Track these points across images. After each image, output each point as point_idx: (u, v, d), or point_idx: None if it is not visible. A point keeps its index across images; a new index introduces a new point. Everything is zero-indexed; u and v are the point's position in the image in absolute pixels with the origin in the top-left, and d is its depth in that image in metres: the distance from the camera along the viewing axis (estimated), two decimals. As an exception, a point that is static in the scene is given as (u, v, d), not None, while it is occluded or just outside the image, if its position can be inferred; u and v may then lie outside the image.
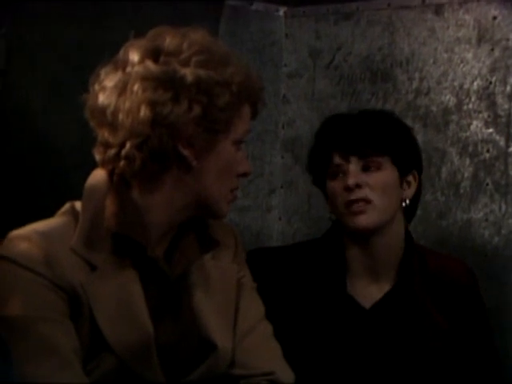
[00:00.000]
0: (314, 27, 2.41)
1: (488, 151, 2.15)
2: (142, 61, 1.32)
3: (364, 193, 1.70)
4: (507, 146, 2.13)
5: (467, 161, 2.18)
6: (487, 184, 2.15)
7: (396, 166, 1.74)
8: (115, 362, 1.29)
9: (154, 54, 1.32)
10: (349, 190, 1.70)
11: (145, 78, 1.30)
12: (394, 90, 2.27)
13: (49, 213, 1.39)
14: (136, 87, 1.29)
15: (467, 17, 2.18)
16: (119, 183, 1.35)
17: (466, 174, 2.18)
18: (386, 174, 1.73)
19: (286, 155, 2.45)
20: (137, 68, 1.31)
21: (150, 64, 1.31)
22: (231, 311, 1.45)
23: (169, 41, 1.33)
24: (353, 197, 1.70)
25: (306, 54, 2.42)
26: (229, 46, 2.27)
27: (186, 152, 1.33)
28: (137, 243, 1.32)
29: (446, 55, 2.20)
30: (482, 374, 1.78)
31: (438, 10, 2.21)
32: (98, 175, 1.37)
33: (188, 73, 1.30)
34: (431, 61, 2.22)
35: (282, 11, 2.45)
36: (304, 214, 2.42)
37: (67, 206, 1.38)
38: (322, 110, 2.38)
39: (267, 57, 2.43)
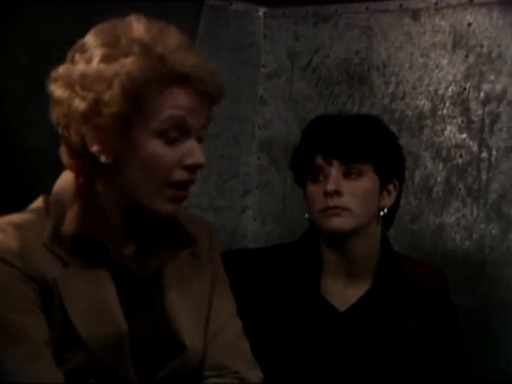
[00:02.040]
0: (293, 28, 2.42)
1: (461, 156, 2.17)
2: (66, 62, 1.34)
3: (342, 201, 1.69)
4: (480, 152, 2.14)
5: (440, 165, 2.19)
6: (459, 189, 2.17)
7: (378, 174, 1.74)
8: (87, 357, 1.29)
9: (72, 53, 1.33)
10: (327, 195, 1.70)
11: (55, 79, 1.32)
12: (370, 93, 2.29)
13: (20, 210, 1.38)
14: (51, 88, 1.33)
15: (443, 23, 2.19)
16: (84, 184, 1.36)
17: (438, 179, 2.20)
18: (367, 181, 1.72)
19: (261, 156, 2.45)
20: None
21: (66, 64, 1.33)
22: (204, 310, 1.44)
23: (86, 37, 1.33)
24: (331, 203, 1.70)
25: (284, 55, 2.43)
26: (208, 46, 2.32)
27: (93, 149, 1.31)
28: (97, 243, 1.32)
29: (421, 60, 2.22)
30: (451, 376, 1.80)
31: (415, 15, 2.23)
32: (65, 177, 1.38)
33: (78, 69, 1.29)
34: (407, 65, 2.24)
35: (261, 12, 2.45)
36: (279, 215, 2.42)
37: (40, 200, 1.37)
38: (298, 111, 2.39)
39: (246, 57, 2.43)
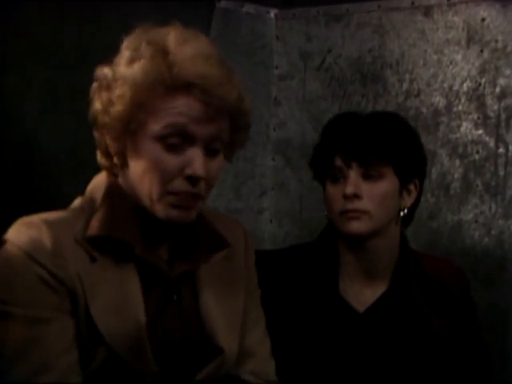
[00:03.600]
0: (305, 29, 2.42)
1: (478, 152, 2.16)
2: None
3: (361, 204, 1.68)
4: (497, 147, 2.13)
5: (457, 162, 2.18)
6: (477, 185, 2.15)
7: (398, 175, 1.72)
8: (108, 354, 1.29)
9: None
10: (346, 198, 1.68)
11: (94, 79, 1.37)
12: (384, 91, 2.28)
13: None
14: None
15: (456, 18, 2.19)
16: (113, 183, 1.38)
17: (455, 175, 2.19)
18: (387, 183, 1.70)
19: (277, 157, 2.45)
20: None
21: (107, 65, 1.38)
22: (239, 315, 1.45)
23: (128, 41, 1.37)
24: (350, 206, 1.68)
25: (296, 56, 2.43)
26: (220, 48, 2.32)
27: (110, 148, 1.35)
28: (122, 243, 1.33)
29: (435, 57, 2.21)
30: (474, 374, 1.79)
31: (428, 12, 2.22)
32: (99, 177, 1.41)
33: (103, 72, 1.34)
34: (421, 62, 2.23)
35: (272, 13, 2.45)
36: (295, 216, 2.42)
37: (77, 200, 1.40)
38: (312, 111, 2.39)
39: (258, 59, 2.43)
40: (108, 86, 1.31)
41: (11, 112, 1.88)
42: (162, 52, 1.30)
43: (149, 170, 1.30)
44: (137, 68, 1.29)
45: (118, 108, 1.29)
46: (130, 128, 1.30)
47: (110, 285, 1.31)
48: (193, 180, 1.30)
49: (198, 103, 1.29)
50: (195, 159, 1.30)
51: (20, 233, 1.30)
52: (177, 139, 1.30)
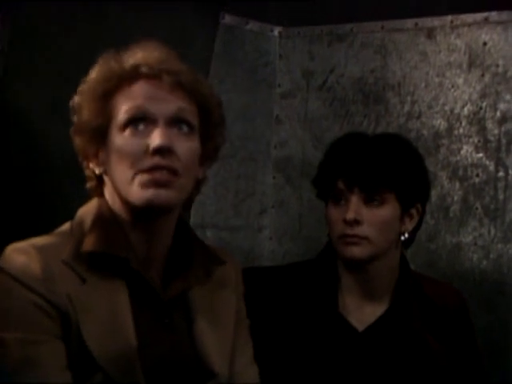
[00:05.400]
0: (308, 48, 2.42)
1: (478, 175, 2.16)
2: None
3: (362, 230, 1.68)
4: (497, 171, 2.13)
5: (457, 185, 2.18)
6: (476, 208, 2.15)
7: (400, 201, 1.71)
8: (102, 378, 1.29)
9: None
10: (347, 223, 1.68)
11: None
12: (385, 112, 2.28)
13: (46, 224, 1.41)
14: None
15: (458, 41, 2.19)
16: (103, 205, 1.40)
17: (455, 198, 2.19)
18: (388, 209, 1.70)
19: (277, 175, 2.45)
20: None
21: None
22: (230, 340, 1.45)
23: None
24: (349, 232, 1.68)
25: (299, 74, 2.43)
26: (223, 65, 2.33)
27: (91, 165, 1.40)
28: (118, 258, 1.33)
29: (437, 79, 2.21)
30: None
31: (430, 34, 2.23)
32: (90, 203, 1.42)
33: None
34: (423, 85, 2.23)
35: (276, 31, 2.46)
36: (295, 234, 2.42)
37: (66, 224, 1.40)
38: (314, 131, 2.39)
39: (261, 77, 2.44)
40: (76, 107, 1.39)
41: (16, 117, 1.89)
42: (114, 55, 1.38)
43: (119, 158, 1.33)
44: (93, 72, 1.38)
45: (84, 114, 1.36)
46: (99, 132, 1.36)
47: (101, 306, 1.31)
48: (160, 152, 1.31)
49: (150, 83, 1.35)
50: (156, 133, 1.32)
51: (10, 260, 1.30)
52: (142, 123, 1.33)
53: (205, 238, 2.24)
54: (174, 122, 1.35)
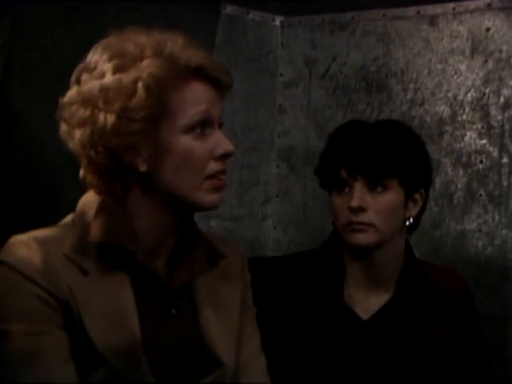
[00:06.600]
0: (310, 37, 2.42)
1: (481, 162, 2.16)
2: (72, 86, 1.36)
3: (367, 217, 1.68)
4: (500, 157, 2.13)
5: (461, 171, 2.18)
6: (480, 195, 2.16)
7: (403, 186, 1.71)
8: (107, 371, 1.29)
9: (77, 75, 1.35)
10: (352, 210, 1.69)
11: (69, 104, 1.33)
12: (388, 100, 2.28)
13: (46, 224, 1.39)
14: (66, 114, 1.34)
15: (461, 28, 2.19)
16: (108, 199, 1.37)
17: (459, 185, 2.19)
18: (392, 195, 1.70)
19: (281, 164, 2.45)
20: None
21: (73, 88, 1.35)
22: (235, 330, 1.45)
23: (89, 57, 1.35)
24: (355, 219, 1.68)
25: (301, 63, 2.43)
26: (225, 55, 2.33)
27: (128, 160, 1.33)
28: (124, 250, 1.33)
29: (440, 66, 2.21)
30: (477, 382, 1.79)
31: (433, 21, 2.22)
32: (89, 195, 1.39)
33: (95, 86, 1.31)
34: (426, 72, 2.23)
35: (278, 21, 2.46)
36: (299, 223, 2.42)
37: (69, 216, 1.39)
38: (317, 119, 2.39)
39: (263, 66, 2.44)
40: (110, 99, 1.29)
41: (15, 118, 1.89)
42: (155, 48, 1.32)
43: (183, 164, 1.32)
44: (149, 66, 1.30)
45: (142, 111, 1.29)
46: (155, 129, 1.31)
47: (104, 299, 1.30)
48: (225, 158, 1.35)
49: (211, 85, 1.34)
50: (222, 139, 1.35)
51: (11, 253, 1.30)
52: (203, 126, 1.33)
53: (209, 228, 2.25)
54: (219, 121, 1.37)
